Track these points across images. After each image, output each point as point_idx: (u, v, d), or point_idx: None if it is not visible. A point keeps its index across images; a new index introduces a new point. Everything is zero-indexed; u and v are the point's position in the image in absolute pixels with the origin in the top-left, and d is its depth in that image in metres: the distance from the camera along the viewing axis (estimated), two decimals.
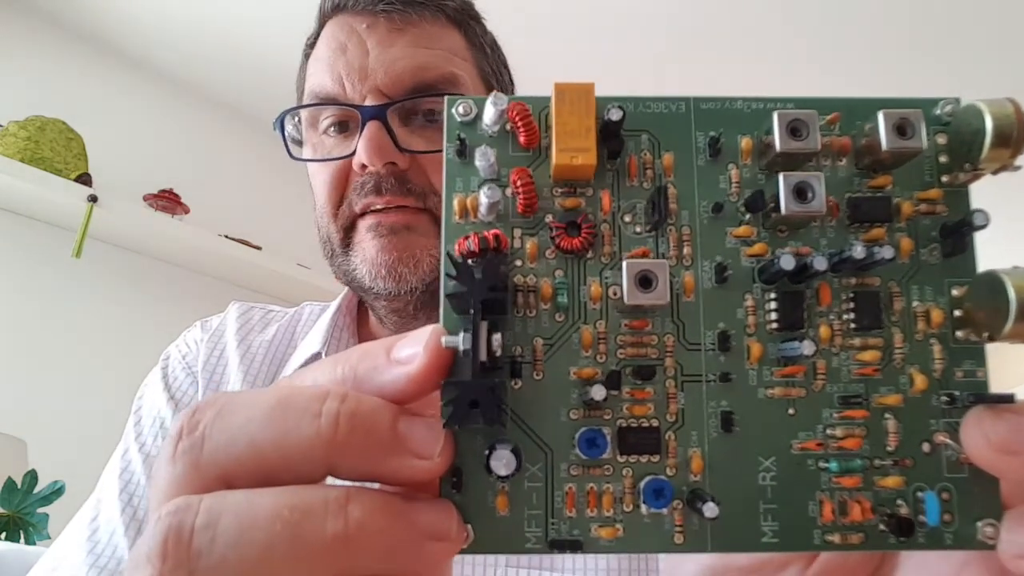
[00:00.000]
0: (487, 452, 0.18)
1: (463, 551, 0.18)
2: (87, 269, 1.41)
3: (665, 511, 0.19)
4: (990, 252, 0.20)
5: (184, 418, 0.18)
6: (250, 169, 1.68)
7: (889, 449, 0.19)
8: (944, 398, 0.20)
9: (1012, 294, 0.18)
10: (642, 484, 0.19)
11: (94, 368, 1.39)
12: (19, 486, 1.02)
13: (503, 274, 0.19)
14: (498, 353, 0.18)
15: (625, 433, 0.19)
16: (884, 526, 0.19)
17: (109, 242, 1.48)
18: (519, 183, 0.20)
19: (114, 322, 1.46)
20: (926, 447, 0.19)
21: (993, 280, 0.18)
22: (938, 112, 0.21)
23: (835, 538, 0.19)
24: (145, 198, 1.49)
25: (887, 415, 0.20)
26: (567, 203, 0.21)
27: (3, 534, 0.99)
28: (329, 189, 0.52)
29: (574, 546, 0.18)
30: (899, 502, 0.19)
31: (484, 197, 0.20)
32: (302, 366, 0.54)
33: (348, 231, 0.52)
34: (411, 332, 0.19)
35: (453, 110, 0.21)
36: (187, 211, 1.52)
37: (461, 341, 0.18)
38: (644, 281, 0.19)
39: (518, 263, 0.20)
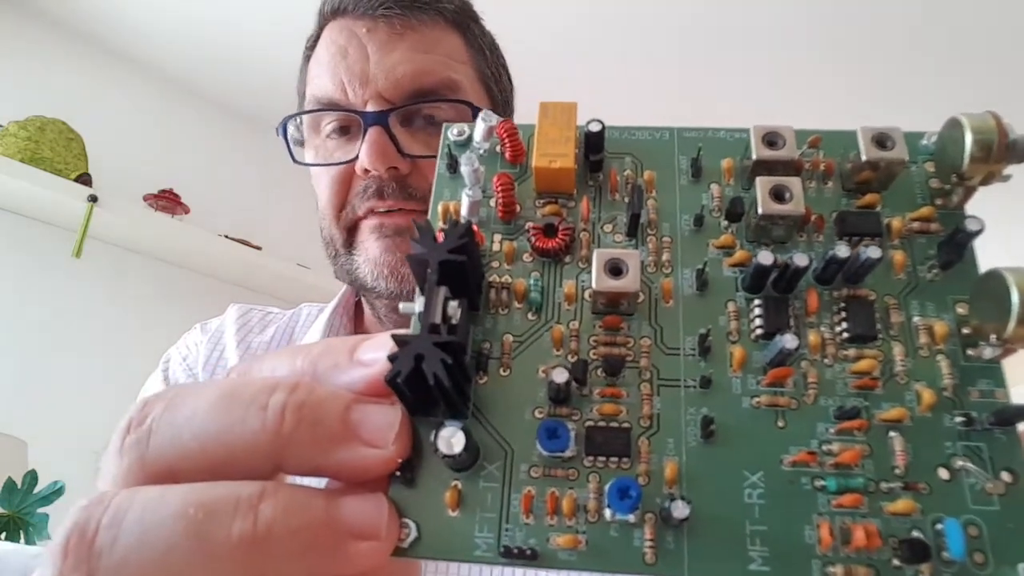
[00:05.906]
0: (434, 431, 0.17)
1: (404, 554, 0.17)
2: (87, 269, 1.41)
3: (632, 518, 0.17)
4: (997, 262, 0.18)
5: (134, 411, 0.17)
6: (250, 169, 1.68)
7: (897, 471, 0.17)
8: (960, 419, 0.17)
9: (1015, 292, 0.16)
10: (607, 486, 0.17)
11: (94, 368, 1.38)
12: (19, 486, 1.02)
13: (470, 248, 0.18)
14: (454, 320, 0.17)
15: (592, 432, 0.18)
16: (898, 559, 0.16)
17: (109, 242, 1.47)
18: (499, 186, 0.21)
19: (114, 322, 1.46)
20: (944, 473, 0.17)
21: (994, 278, 0.17)
22: (924, 143, 0.21)
23: (838, 571, 0.16)
24: (145, 198, 1.48)
25: (892, 432, 0.17)
26: (547, 210, 0.21)
27: (3, 534, 0.99)
28: (332, 192, 0.52)
29: (529, 556, 0.16)
30: (915, 532, 0.16)
31: (465, 197, 0.21)
32: None
33: (351, 232, 0.52)
34: (377, 335, 0.18)
35: (448, 132, 0.22)
36: (187, 211, 1.52)
37: (417, 304, 0.17)
38: (614, 269, 0.18)
39: (495, 264, 0.20)
